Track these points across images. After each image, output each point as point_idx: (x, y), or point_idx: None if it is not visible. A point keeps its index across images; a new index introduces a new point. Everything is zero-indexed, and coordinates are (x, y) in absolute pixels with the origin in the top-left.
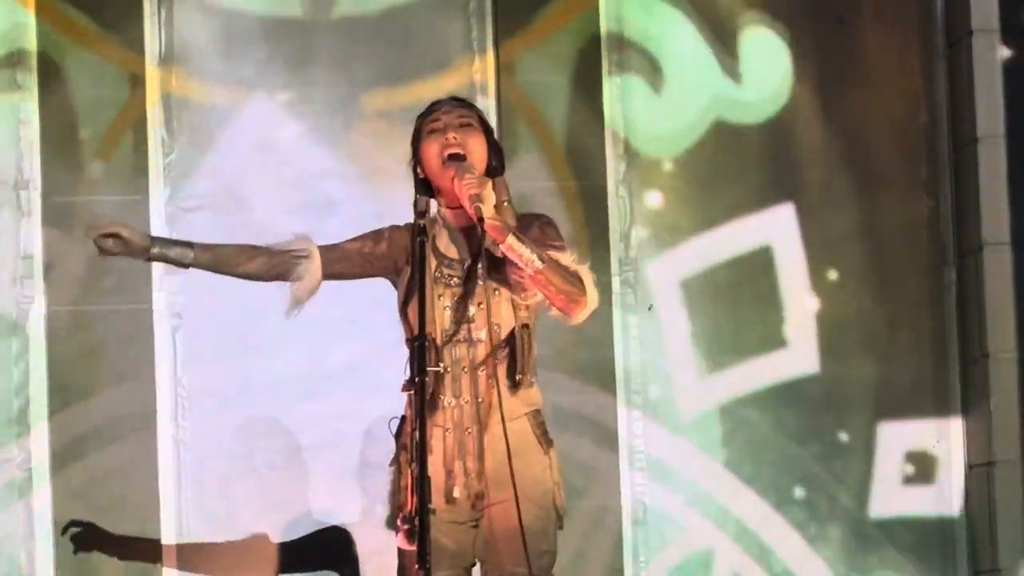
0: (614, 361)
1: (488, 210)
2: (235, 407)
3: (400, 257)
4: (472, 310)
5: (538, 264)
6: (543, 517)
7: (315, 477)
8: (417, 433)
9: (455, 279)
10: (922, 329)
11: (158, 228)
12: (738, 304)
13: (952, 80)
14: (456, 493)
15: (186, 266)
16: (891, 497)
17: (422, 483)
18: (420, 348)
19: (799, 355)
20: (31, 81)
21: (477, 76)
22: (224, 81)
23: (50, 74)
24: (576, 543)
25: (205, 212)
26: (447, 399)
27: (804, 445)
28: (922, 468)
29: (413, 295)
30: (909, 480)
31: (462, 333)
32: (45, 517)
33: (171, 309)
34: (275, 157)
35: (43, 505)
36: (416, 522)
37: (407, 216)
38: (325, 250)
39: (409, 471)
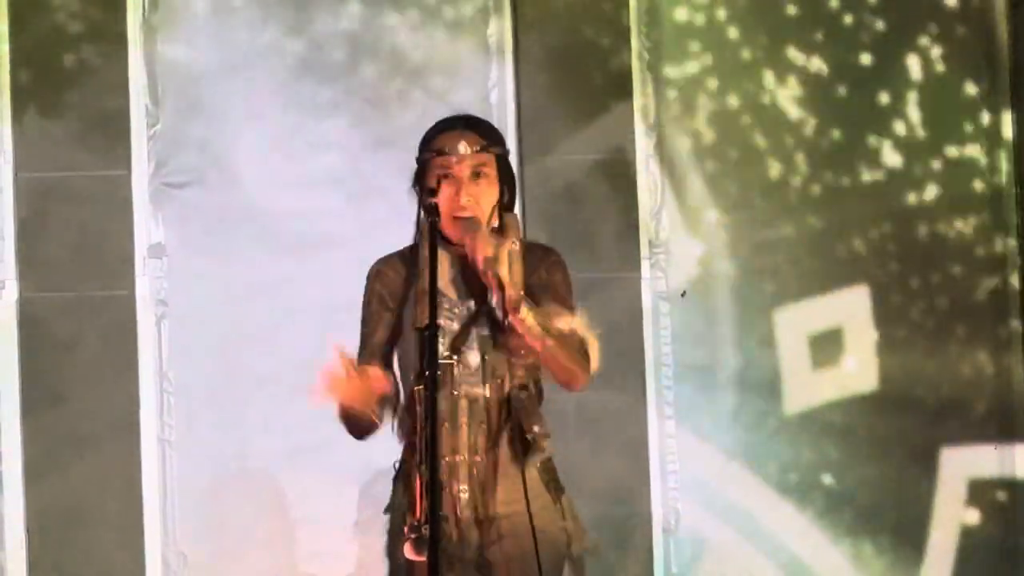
0: (643, 354)
1: (504, 273)
2: (226, 403)
3: (399, 298)
4: (469, 355)
5: (548, 340)
6: (554, 557)
7: (313, 480)
8: (428, 431)
9: (454, 322)
10: None
11: (141, 206)
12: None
13: None
14: (453, 513)
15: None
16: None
17: (433, 486)
18: (431, 338)
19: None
20: (2, 47)
21: (493, 38)
22: (214, 44)
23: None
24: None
25: (193, 188)
26: (450, 424)
27: (858, 464)
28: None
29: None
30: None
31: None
32: (17, 527)
33: (155, 296)
34: (270, 128)
35: (15, 512)
36: (425, 530)
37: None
38: (373, 359)
39: (418, 474)
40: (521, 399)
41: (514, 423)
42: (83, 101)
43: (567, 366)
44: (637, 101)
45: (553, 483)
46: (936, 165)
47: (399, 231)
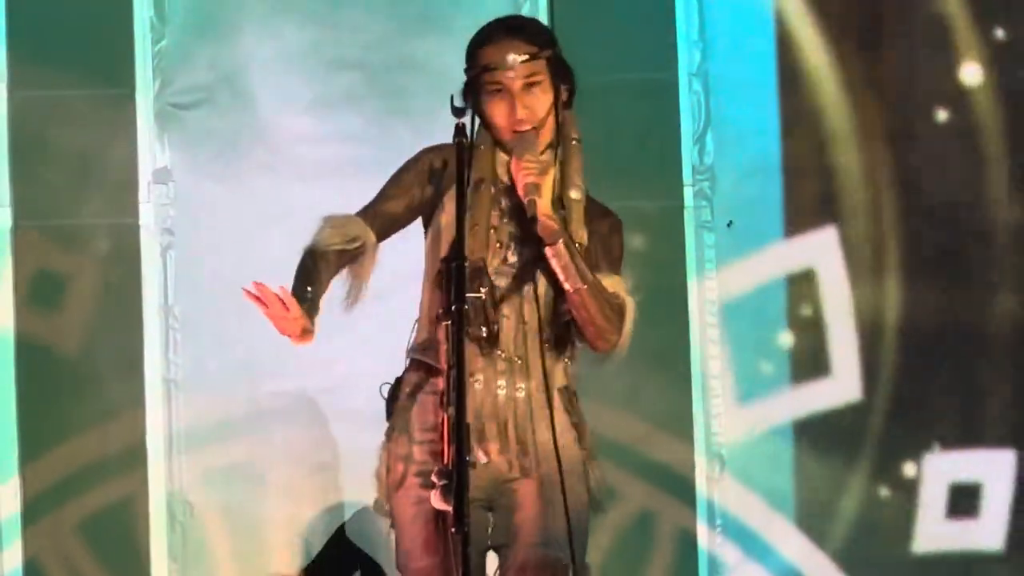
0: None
1: (544, 206)
2: (235, 342)
3: (434, 196)
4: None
5: (579, 283)
6: (576, 494)
7: (330, 423)
8: (455, 372)
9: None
10: None
11: (146, 127)
12: None
13: None
14: (483, 458)
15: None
16: None
17: (460, 429)
18: (459, 270)
19: None
20: None
21: None
22: None
23: None
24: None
25: (201, 109)
26: (483, 350)
27: None
28: None
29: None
30: None
31: (508, 271)
32: (11, 472)
33: (161, 224)
34: (285, 45)
35: (8, 458)
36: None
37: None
38: (373, 222)
39: (446, 417)
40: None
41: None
42: (82, 14)
43: (598, 319)
44: (679, 15)
45: (574, 410)
46: None
47: None
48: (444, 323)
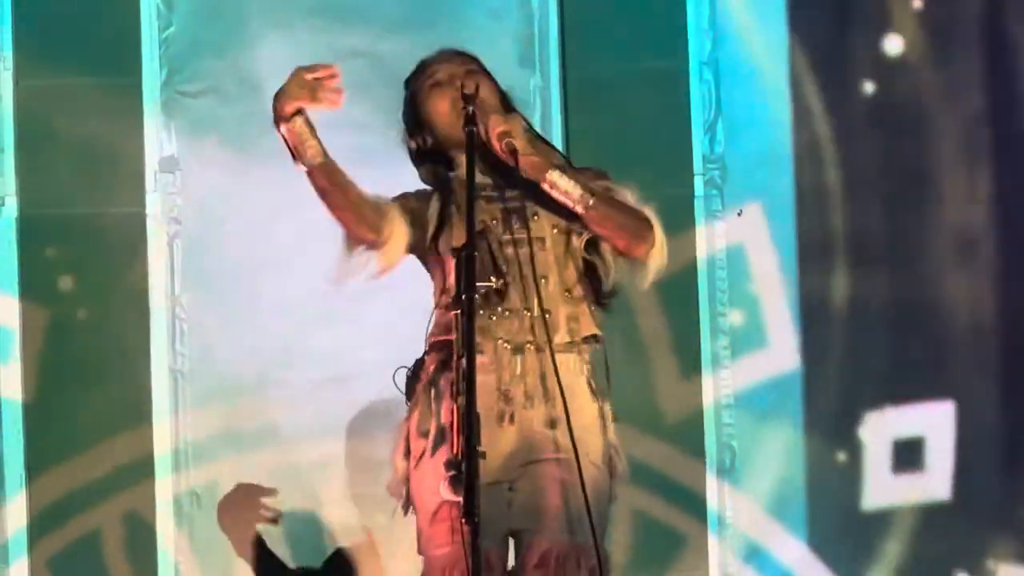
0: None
1: (521, 144)
2: (243, 332)
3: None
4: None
5: (589, 199)
6: (600, 481)
7: (336, 415)
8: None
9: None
10: None
11: (152, 116)
12: None
13: None
14: (514, 418)
15: (308, 165)
16: None
17: (469, 420)
18: (468, 259)
19: None
20: None
21: None
22: None
23: None
24: None
25: (209, 97)
26: (505, 304)
27: None
28: None
29: (443, 227)
30: None
31: (518, 239)
32: (16, 465)
33: (167, 214)
34: (292, 32)
35: (14, 451)
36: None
37: None
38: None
39: (455, 405)
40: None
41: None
42: (88, 2)
43: (624, 223)
44: (690, 3)
45: (598, 390)
46: None
47: None
48: (454, 312)
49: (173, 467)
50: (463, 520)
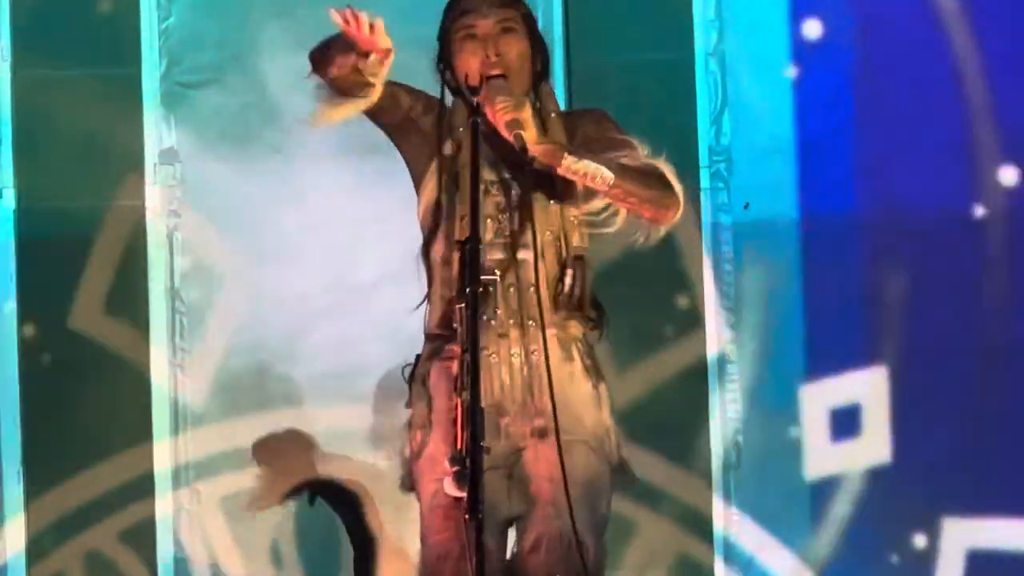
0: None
1: (531, 135)
2: (244, 326)
3: (432, 149)
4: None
5: (609, 177)
6: (593, 464)
7: (339, 412)
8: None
9: (499, 201)
10: None
11: (152, 107)
12: None
13: None
14: (510, 430)
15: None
16: None
17: (474, 415)
18: (473, 252)
19: None
20: None
21: None
22: None
23: None
24: None
25: (210, 89)
26: (489, 314)
27: None
28: None
29: (440, 202)
30: None
31: (505, 244)
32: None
33: (167, 206)
34: (293, 23)
35: (10, 448)
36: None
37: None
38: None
39: (460, 401)
40: (576, 270)
41: (568, 290)
42: None
43: (647, 195)
44: None
45: (592, 366)
46: None
47: None
48: (458, 306)
49: (173, 460)
50: (467, 517)
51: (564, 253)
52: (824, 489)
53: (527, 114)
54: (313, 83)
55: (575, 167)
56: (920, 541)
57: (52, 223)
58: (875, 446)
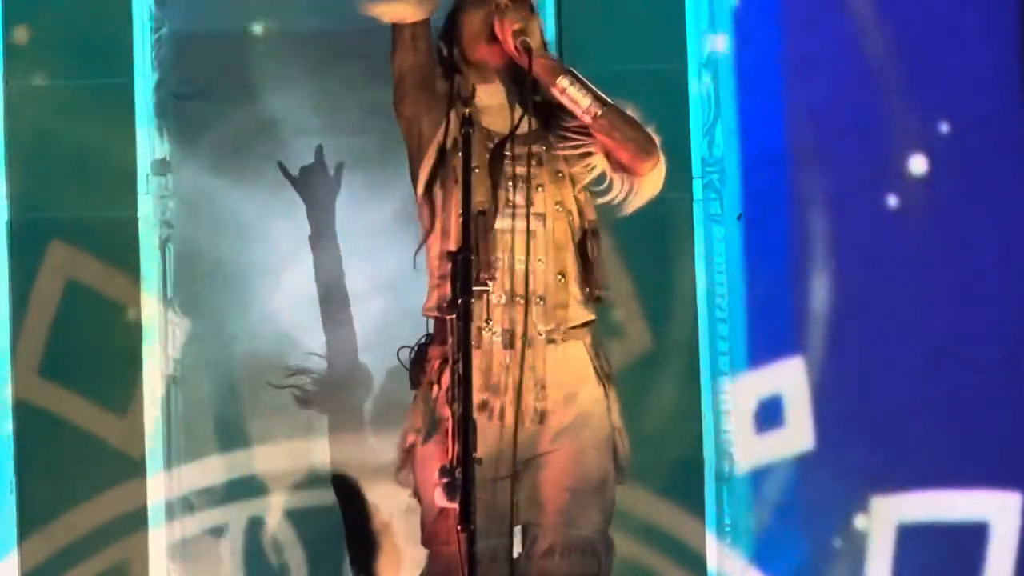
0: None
1: (536, 44)
2: (237, 338)
3: (441, 116)
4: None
5: (597, 108)
6: (604, 468)
7: (333, 421)
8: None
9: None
10: None
11: (145, 119)
12: None
13: None
14: (506, 412)
15: None
16: None
17: (466, 428)
18: (465, 262)
19: None
20: None
21: None
22: None
23: None
24: None
25: (201, 99)
26: (496, 296)
27: None
28: None
29: (443, 177)
30: None
31: (518, 212)
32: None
33: (160, 217)
34: (285, 34)
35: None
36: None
37: None
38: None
39: (451, 411)
40: (592, 246)
41: (582, 267)
42: (80, 1)
43: (630, 135)
44: (689, 4)
45: (601, 367)
46: None
47: None
48: (449, 317)
49: (166, 471)
50: (459, 528)
51: (578, 225)
52: (756, 479)
53: (534, 28)
54: None
55: (569, 89)
56: (862, 522)
57: (45, 234)
58: (800, 433)
